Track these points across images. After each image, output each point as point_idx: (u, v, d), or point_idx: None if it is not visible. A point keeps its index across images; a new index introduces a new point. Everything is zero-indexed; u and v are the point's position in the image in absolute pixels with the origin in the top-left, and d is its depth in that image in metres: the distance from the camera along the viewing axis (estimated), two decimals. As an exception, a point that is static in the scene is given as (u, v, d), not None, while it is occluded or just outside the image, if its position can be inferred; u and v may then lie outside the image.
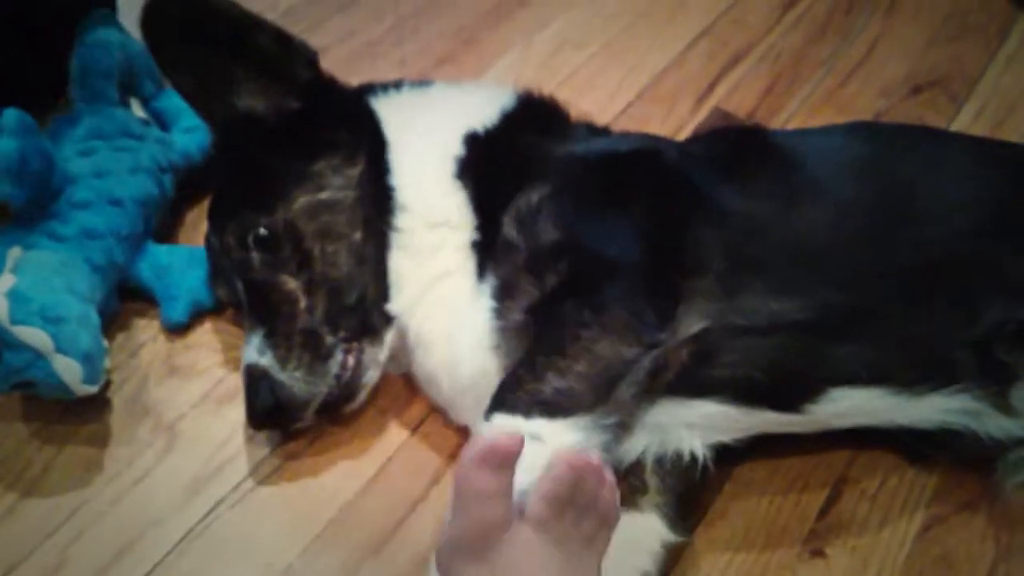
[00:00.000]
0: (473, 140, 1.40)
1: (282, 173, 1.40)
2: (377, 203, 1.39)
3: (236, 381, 1.45)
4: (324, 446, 1.41)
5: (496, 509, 1.00)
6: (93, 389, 1.36)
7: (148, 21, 1.39)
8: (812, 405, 1.25)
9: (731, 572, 1.31)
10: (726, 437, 1.30)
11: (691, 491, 1.33)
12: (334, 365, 1.35)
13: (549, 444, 1.12)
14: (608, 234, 1.27)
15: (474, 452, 0.99)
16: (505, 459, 0.99)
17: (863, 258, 1.27)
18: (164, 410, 1.44)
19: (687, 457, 1.28)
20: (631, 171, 1.37)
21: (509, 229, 1.31)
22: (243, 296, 1.39)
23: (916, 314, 1.24)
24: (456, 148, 1.39)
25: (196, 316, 1.53)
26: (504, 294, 1.28)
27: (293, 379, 1.32)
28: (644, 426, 1.26)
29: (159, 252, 1.55)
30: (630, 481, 1.30)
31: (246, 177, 1.44)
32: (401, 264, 1.38)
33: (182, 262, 1.54)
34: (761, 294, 1.23)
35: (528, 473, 1.06)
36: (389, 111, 1.46)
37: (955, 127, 1.88)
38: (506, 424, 1.14)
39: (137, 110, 1.68)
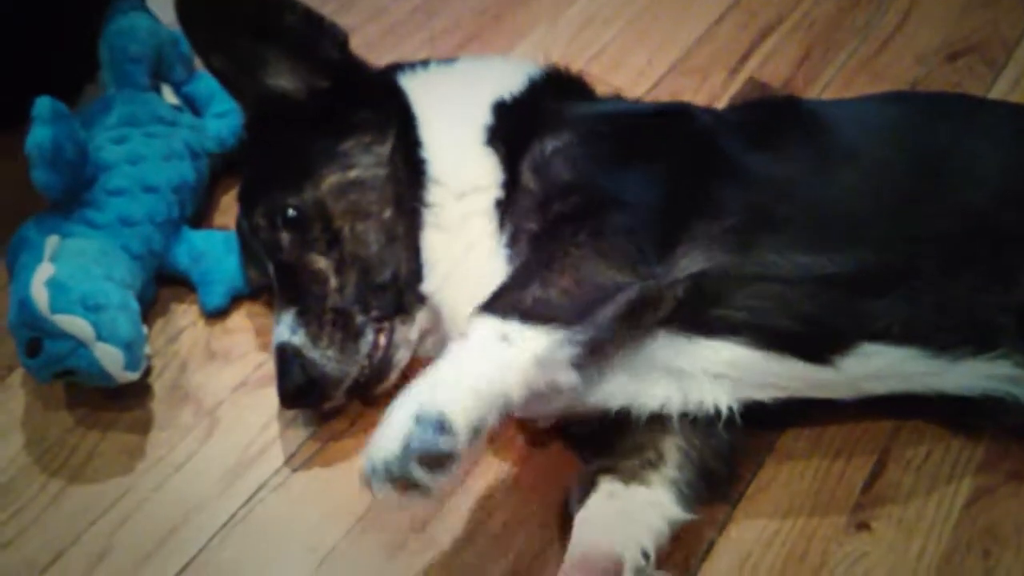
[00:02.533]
0: (501, 108, 1.40)
1: (311, 153, 1.41)
2: (408, 180, 1.39)
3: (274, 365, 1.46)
4: (364, 428, 1.41)
5: None
6: (134, 376, 1.37)
7: (181, 2, 1.39)
8: (842, 359, 1.23)
9: (776, 545, 1.30)
10: (757, 393, 1.27)
11: (722, 464, 1.32)
12: (365, 344, 1.35)
13: (517, 347, 1.11)
14: (624, 181, 1.26)
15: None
16: None
17: (897, 222, 1.25)
18: (204, 395, 1.45)
19: (712, 411, 1.26)
20: (655, 128, 1.37)
21: (527, 178, 1.31)
22: (273, 277, 1.40)
23: (951, 278, 1.23)
24: (485, 117, 1.39)
25: (234, 301, 1.54)
26: (515, 239, 1.29)
27: (325, 358, 1.32)
28: (662, 370, 1.25)
29: (195, 238, 1.56)
30: (645, 456, 1.29)
31: (276, 158, 1.44)
32: (434, 241, 1.37)
33: (219, 247, 1.54)
34: (784, 248, 1.22)
35: (493, 365, 1.09)
36: (417, 88, 1.46)
37: (994, 94, 1.85)
38: (481, 323, 1.13)
39: (169, 96, 1.68)
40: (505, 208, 1.33)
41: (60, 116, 1.38)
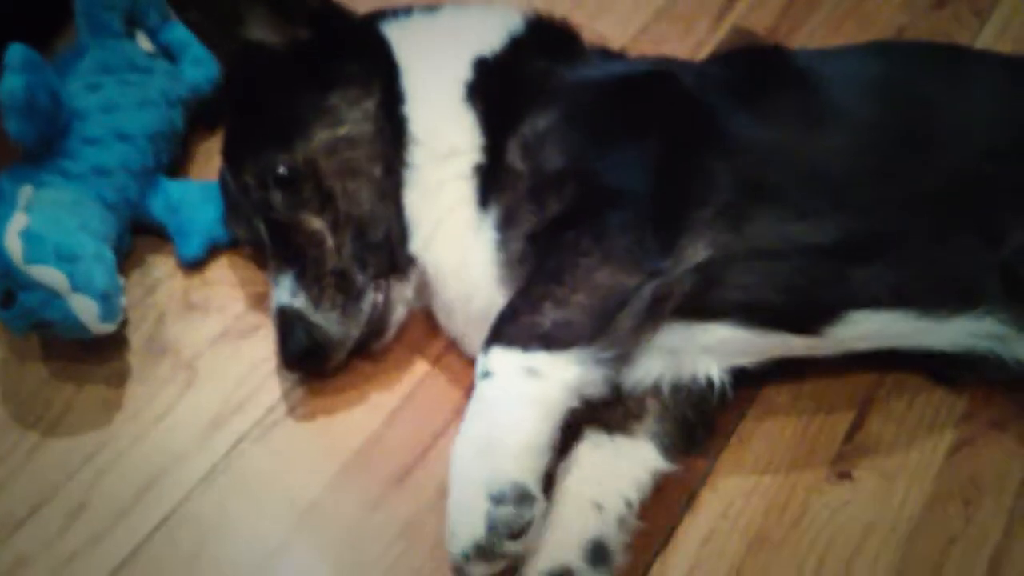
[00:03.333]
0: (482, 64, 1.38)
1: (298, 108, 1.37)
2: (392, 138, 1.37)
3: (254, 317, 1.46)
4: (345, 381, 1.40)
5: None
6: (111, 327, 1.35)
7: None
8: (831, 328, 1.24)
9: (756, 496, 1.30)
10: (744, 361, 1.28)
11: (701, 416, 1.32)
12: (367, 304, 1.34)
13: (548, 380, 1.11)
14: (615, 164, 1.24)
15: None
16: None
17: (883, 184, 1.24)
18: (183, 347, 1.44)
19: (704, 382, 1.28)
20: (642, 97, 1.34)
21: (513, 156, 1.29)
22: (265, 236, 1.37)
23: (939, 238, 1.22)
24: (465, 72, 1.37)
25: (211, 252, 1.52)
26: (506, 223, 1.27)
27: (328, 320, 1.31)
28: (657, 350, 1.25)
29: (172, 187, 1.53)
30: (627, 405, 1.29)
31: (261, 113, 1.41)
32: (414, 202, 1.36)
33: (195, 197, 1.52)
34: (776, 220, 1.21)
35: (530, 407, 1.09)
36: (400, 38, 1.43)
37: (980, 42, 1.84)
38: (503, 359, 1.13)
39: (143, 43, 1.65)
40: (487, 179, 1.31)
41: (33, 64, 1.35)
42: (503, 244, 1.26)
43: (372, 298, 1.34)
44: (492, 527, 1.05)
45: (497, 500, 1.05)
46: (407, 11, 1.47)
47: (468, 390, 1.36)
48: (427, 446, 1.34)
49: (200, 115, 1.65)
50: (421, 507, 1.28)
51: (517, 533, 1.06)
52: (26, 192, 1.38)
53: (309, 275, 1.31)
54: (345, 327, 1.32)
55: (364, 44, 1.42)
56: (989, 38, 1.86)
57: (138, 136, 1.49)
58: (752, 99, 1.31)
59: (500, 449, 1.08)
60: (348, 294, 1.32)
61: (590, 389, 1.15)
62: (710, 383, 1.28)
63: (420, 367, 1.42)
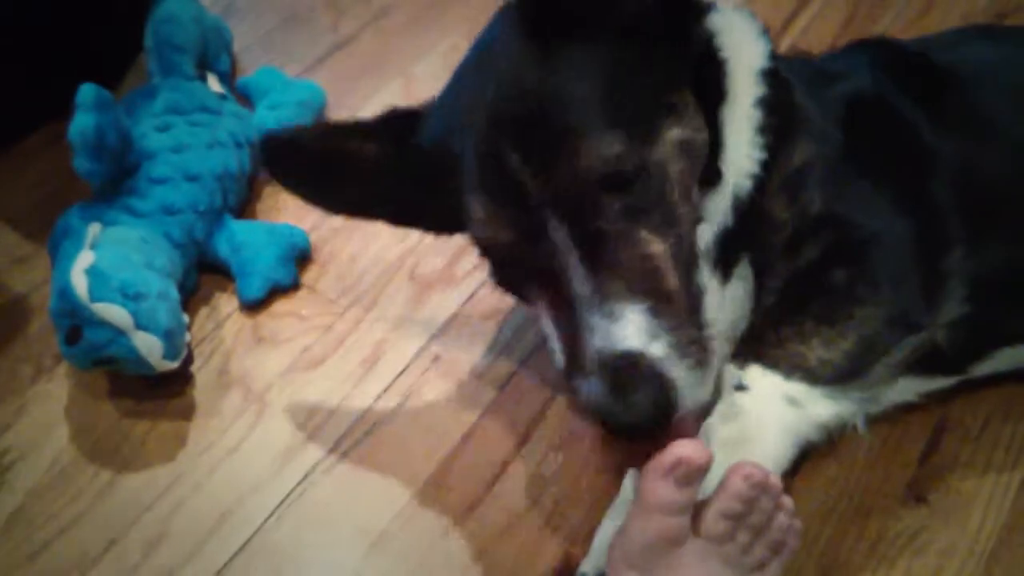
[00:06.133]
0: (767, 76, 1.18)
1: (642, 92, 1.07)
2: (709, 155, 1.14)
3: (322, 348, 1.47)
4: (413, 409, 1.40)
5: (676, 523, 0.97)
6: (173, 365, 1.37)
7: None
8: (977, 366, 1.25)
9: (833, 518, 1.28)
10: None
11: None
12: (717, 361, 1.08)
13: (804, 410, 1.13)
14: (866, 205, 1.19)
15: (664, 464, 0.95)
16: (694, 473, 0.96)
17: None
18: (252, 380, 1.45)
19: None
20: (873, 127, 1.23)
21: (773, 196, 1.17)
22: (568, 248, 1.03)
23: None
24: (760, 89, 1.16)
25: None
26: (758, 271, 1.19)
27: (690, 379, 1.00)
28: None
29: (237, 228, 1.56)
30: None
31: (587, 86, 1.05)
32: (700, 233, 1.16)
33: (259, 239, 1.54)
34: (987, 255, 1.20)
35: (783, 433, 1.10)
36: (727, 35, 1.17)
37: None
38: (764, 379, 1.13)
39: (214, 84, 1.68)
40: (739, 219, 1.15)
41: (104, 104, 1.38)
42: (757, 295, 1.21)
43: (719, 353, 1.08)
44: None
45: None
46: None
47: (535, 414, 1.39)
48: (496, 474, 1.33)
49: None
50: (492, 535, 1.28)
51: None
52: (94, 230, 1.40)
53: (664, 314, 1.00)
54: (703, 391, 1.04)
55: (699, 29, 1.15)
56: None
57: (206, 176, 1.52)
58: (936, 114, 1.22)
59: (747, 455, 1.08)
60: (701, 347, 1.03)
61: (834, 425, 1.18)
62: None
63: (487, 395, 1.42)
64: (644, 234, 1.03)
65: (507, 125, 1.03)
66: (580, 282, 1.02)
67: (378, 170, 1.19)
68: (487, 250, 1.13)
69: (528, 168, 1.02)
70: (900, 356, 1.17)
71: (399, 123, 1.19)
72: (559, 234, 1.02)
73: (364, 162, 1.19)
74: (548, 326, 1.11)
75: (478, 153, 1.05)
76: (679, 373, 0.98)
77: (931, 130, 1.20)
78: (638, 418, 0.98)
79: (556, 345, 1.10)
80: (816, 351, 1.14)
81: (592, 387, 0.99)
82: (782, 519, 1.02)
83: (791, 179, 1.14)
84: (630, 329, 0.99)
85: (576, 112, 1.02)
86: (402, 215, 1.27)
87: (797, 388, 1.14)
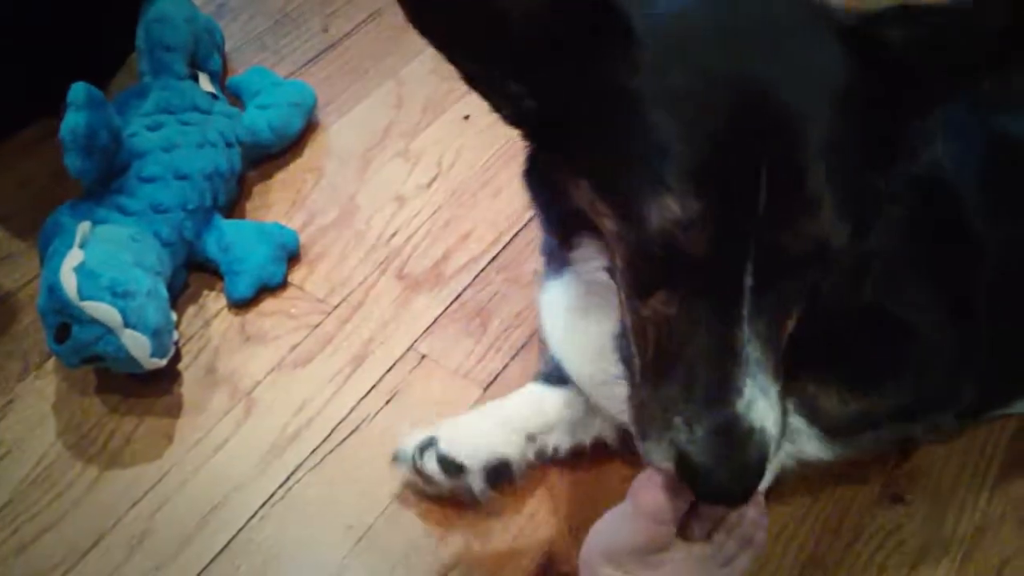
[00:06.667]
0: None
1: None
2: None
3: (308, 346, 1.48)
4: (400, 407, 1.42)
5: (667, 531, 0.98)
6: (161, 362, 1.38)
7: None
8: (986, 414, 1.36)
9: (810, 518, 1.30)
10: None
11: None
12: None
13: (797, 445, 1.17)
14: (911, 300, 1.18)
15: (660, 474, 0.95)
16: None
17: None
18: (239, 378, 1.46)
19: None
20: (921, 214, 1.15)
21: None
22: (743, 293, 0.86)
23: None
24: None
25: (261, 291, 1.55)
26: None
27: (777, 428, 0.91)
28: None
29: (226, 227, 1.56)
30: None
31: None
32: None
33: (248, 238, 1.55)
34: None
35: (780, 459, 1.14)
36: None
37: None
38: (764, 405, 0.89)
39: (205, 84, 1.68)
40: None
41: (95, 103, 1.39)
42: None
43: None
44: None
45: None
46: None
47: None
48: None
49: (257, 158, 1.68)
50: (477, 534, 1.29)
51: None
52: (83, 228, 1.40)
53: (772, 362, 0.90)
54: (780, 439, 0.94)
55: None
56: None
57: (196, 175, 1.53)
58: (986, 181, 1.16)
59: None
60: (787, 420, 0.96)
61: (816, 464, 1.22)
62: None
63: (473, 394, 1.44)
64: (795, 312, 0.93)
65: (779, 140, 0.84)
66: (735, 327, 0.88)
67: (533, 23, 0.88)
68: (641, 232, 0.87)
69: (768, 197, 0.83)
70: (915, 434, 1.26)
71: None
72: (747, 276, 0.86)
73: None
74: (624, 319, 0.98)
75: (720, 134, 0.83)
76: (771, 424, 0.89)
77: (975, 219, 1.16)
78: (738, 489, 0.90)
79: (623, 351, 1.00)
80: (832, 400, 1.16)
81: (698, 446, 0.89)
82: (751, 513, 1.03)
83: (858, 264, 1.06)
84: (761, 405, 0.88)
85: (840, 181, 0.85)
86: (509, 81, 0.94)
87: (797, 421, 1.15)
